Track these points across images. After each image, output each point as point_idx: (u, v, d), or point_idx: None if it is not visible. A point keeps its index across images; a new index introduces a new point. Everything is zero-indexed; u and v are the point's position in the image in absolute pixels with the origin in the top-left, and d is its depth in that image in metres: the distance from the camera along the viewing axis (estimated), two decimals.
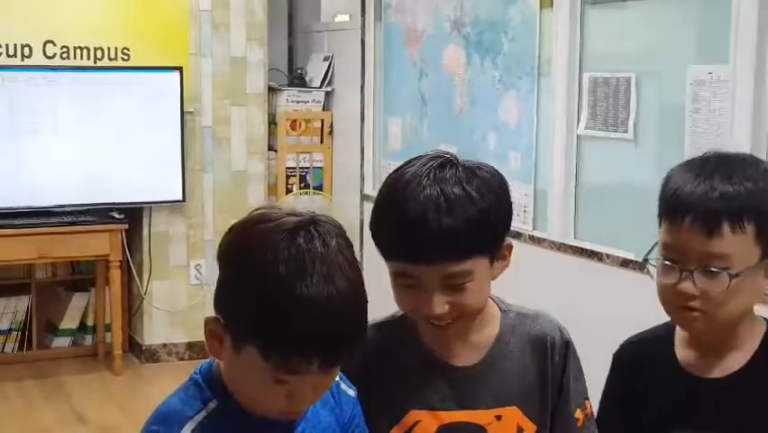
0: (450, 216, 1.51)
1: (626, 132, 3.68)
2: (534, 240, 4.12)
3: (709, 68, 3.35)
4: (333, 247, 1.33)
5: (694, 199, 1.55)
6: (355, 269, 1.34)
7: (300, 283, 1.28)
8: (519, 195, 4.28)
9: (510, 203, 1.63)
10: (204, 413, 1.39)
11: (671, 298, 1.59)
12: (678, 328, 1.68)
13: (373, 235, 1.61)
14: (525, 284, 4.22)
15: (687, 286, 1.56)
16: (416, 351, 1.67)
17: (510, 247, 1.63)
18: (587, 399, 1.72)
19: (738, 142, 3.18)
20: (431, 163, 1.58)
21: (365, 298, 1.36)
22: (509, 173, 4.30)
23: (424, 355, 1.67)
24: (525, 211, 4.26)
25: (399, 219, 1.54)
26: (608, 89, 3.79)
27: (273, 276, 1.29)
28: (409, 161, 1.61)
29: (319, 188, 5.91)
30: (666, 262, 1.59)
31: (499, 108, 4.46)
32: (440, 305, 1.56)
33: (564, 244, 3.96)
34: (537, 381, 1.68)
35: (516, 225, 4.20)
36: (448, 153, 1.61)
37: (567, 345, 1.70)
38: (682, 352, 1.68)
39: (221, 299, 1.37)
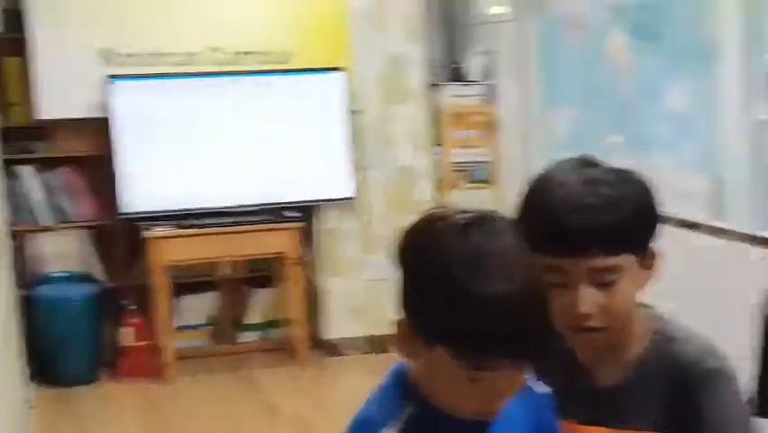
0: (601, 210, 1.54)
1: None
2: (715, 231, 3.94)
3: None
4: (507, 242, 1.34)
5: None
6: (530, 263, 1.35)
7: (473, 280, 1.28)
8: (695, 184, 4.14)
9: (657, 210, 1.63)
10: (402, 418, 1.39)
11: None
12: None
13: (527, 231, 1.55)
14: (703, 276, 4.10)
15: None
16: (565, 362, 1.67)
17: (658, 256, 1.62)
18: None
19: None
20: (578, 164, 1.63)
21: (544, 290, 1.36)
22: (682, 163, 4.24)
23: (571, 368, 1.68)
24: (702, 201, 4.08)
25: (548, 213, 1.56)
26: None
27: (450, 275, 1.29)
28: (556, 163, 1.65)
29: (485, 181, 5.94)
30: None
31: (668, 96, 4.34)
32: (587, 302, 1.56)
33: (751, 235, 3.76)
34: (676, 408, 1.62)
35: (693, 215, 4.03)
36: (593, 157, 1.65)
37: (712, 373, 1.61)
38: None
39: (405, 301, 1.37)
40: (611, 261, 1.55)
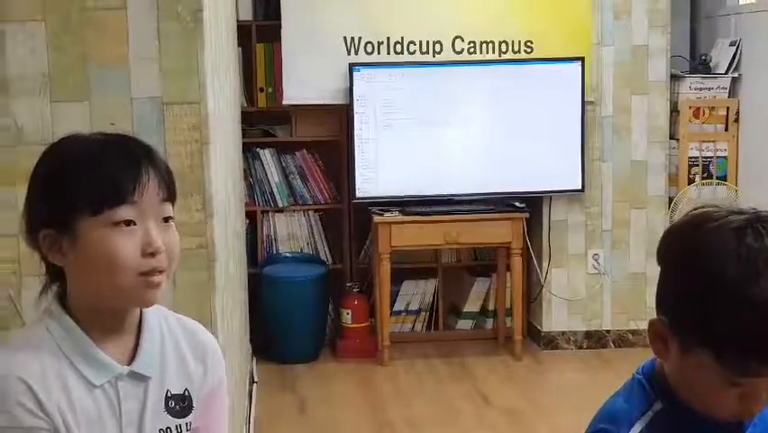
0: None
1: None
2: None
3: None
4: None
5: None
6: None
7: (751, 283, 1.26)
8: None
9: None
10: (650, 414, 1.39)
11: None
12: None
13: None
14: None
15: None
16: None
17: None
18: None
19: None
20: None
21: None
22: None
23: None
24: None
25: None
26: None
27: (724, 278, 1.27)
28: None
29: (723, 178, 5.68)
30: None
31: None
32: None
33: None
34: None
35: None
36: None
37: None
38: None
39: (665, 300, 1.37)
40: None
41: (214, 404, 1.63)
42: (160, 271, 1.48)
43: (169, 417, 1.55)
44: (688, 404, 1.36)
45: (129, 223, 1.45)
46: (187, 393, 1.57)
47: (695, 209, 1.39)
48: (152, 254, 1.46)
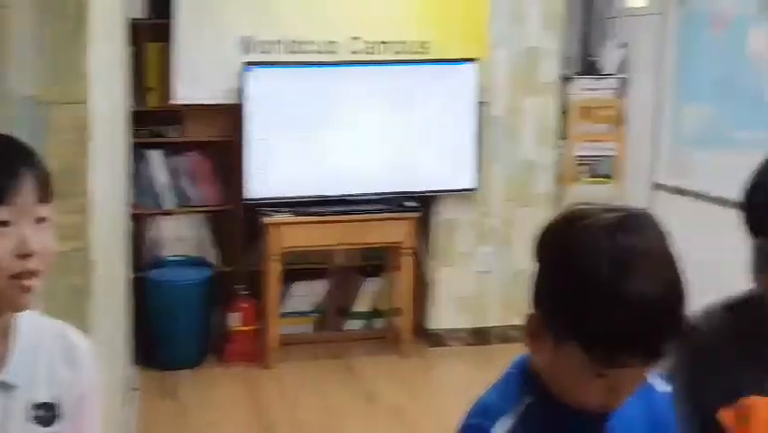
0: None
1: None
2: None
3: None
4: (652, 241, 1.32)
5: None
6: (674, 260, 1.33)
7: (623, 281, 1.27)
8: None
9: None
10: (521, 407, 1.40)
11: None
12: None
13: (747, 211, 1.62)
14: None
15: None
16: (763, 334, 1.65)
17: None
18: None
19: None
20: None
21: (685, 287, 1.33)
22: None
23: None
24: None
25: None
26: None
27: (596, 277, 1.28)
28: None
29: (607, 176, 5.79)
30: None
31: None
32: None
33: None
34: None
35: None
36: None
37: None
38: None
39: (540, 296, 1.38)
40: None
41: (86, 410, 1.60)
42: (34, 274, 1.44)
43: (36, 426, 1.52)
44: (559, 398, 1.37)
45: (3, 224, 1.41)
46: (56, 401, 1.54)
47: (571, 207, 1.39)
48: (26, 256, 1.42)
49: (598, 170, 5.79)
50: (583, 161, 5.78)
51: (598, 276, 1.27)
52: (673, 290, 1.30)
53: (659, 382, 1.51)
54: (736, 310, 1.69)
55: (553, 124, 5.70)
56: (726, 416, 1.65)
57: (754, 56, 4.60)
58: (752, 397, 1.63)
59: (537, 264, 1.39)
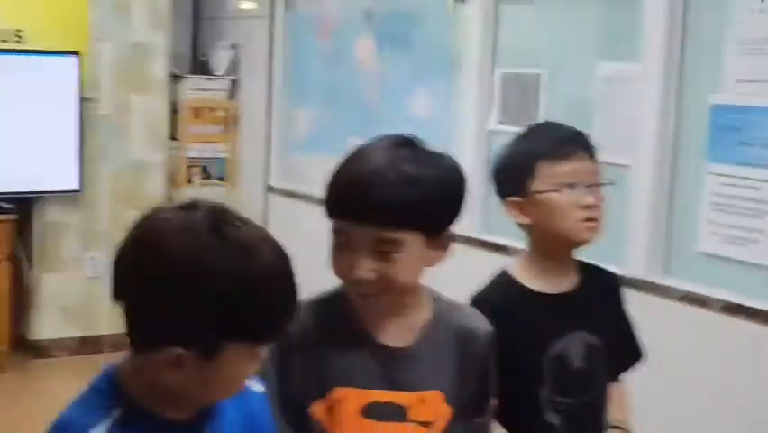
0: (394, 183, 1.57)
1: None
2: (484, 244, 3.96)
3: (618, 65, 3.36)
4: (253, 228, 1.32)
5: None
6: (271, 238, 1.34)
7: (250, 265, 1.27)
8: None
9: (461, 197, 1.68)
10: (108, 421, 1.31)
11: (576, 212, 1.94)
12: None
13: (325, 195, 1.66)
14: (433, 278, 4.23)
15: (590, 199, 1.94)
16: (349, 328, 1.69)
17: (452, 238, 1.68)
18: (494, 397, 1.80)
19: (645, 138, 3.19)
20: (393, 138, 1.66)
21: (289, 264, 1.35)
22: None
23: (356, 333, 1.69)
24: None
25: (345, 179, 1.62)
26: (519, 85, 3.76)
27: (193, 269, 1.25)
28: (377, 137, 1.69)
29: (221, 179, 5.76)
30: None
31: (411, 101, 4.40)
32: (365, 269, 1.60)
33: (475, 239, 3.92)
34: (461, 369, 1.73)
35: None
36: (414, 137, 1.68)
37: (491, 337, 1.77)
38: None
39: (166, 320, 1.27)
40: (393, 234, 1.59)
41: None
42: None
43: None
44: (150, 409, 1.33)
45: None
46: None
47: (157, 206, 1.36)
48: None
49: (212, 171, 5.75)
50: (196, 162, 5.72)
51: (201, 266, 1.25)
52: (287, 260, 1.33)
53: (254, 382, 1.48)
54: (323, 304, 1.72)
55: (164, 123, 5.57)
56: (317, 410, 1.66)
57: (359, 64, 4.76)
58: (341, 389, 1.65)
59: (122, 267, 1.32)
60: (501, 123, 3.86)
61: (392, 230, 1.58)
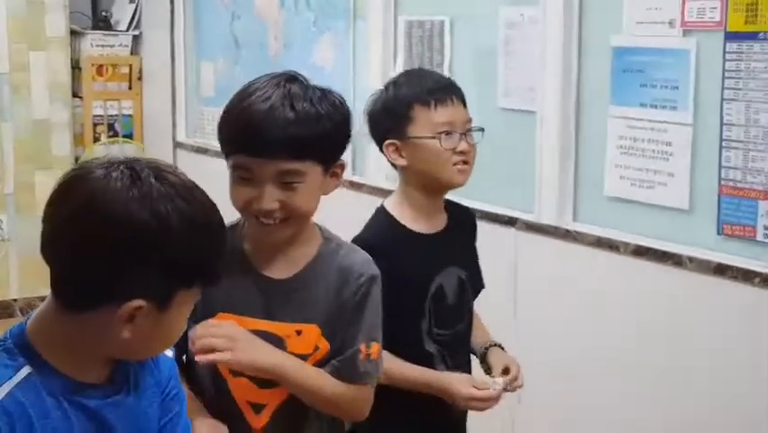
0: (295, 119, 1.70)
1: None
2: (354, 185, 4.03)
3: (520, 9, 3.34)
4: (177, 173, 1.33)
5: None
6: (190, 184, 1.34)
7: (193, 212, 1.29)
8: None
9: (350, 129, 1.82)
10: (16, 380, 1.29)
11: (451, 158, 2.11)
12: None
13: (219, 134, 1.79)
14: (344, 228, 4.24)
15: (464, 146, 2.12)
16: (237, 258, 1.77)
17: (343, 167, 1.83)
18: (375, 341, 1.84)
19: (549, 83, 3.18)
20: (282, 76, 1.78)
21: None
22: None
23: (241, 263, 1.79)
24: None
25: (246, 116, 1.72)
26: (422, 33, 3.72)
27: (129, 228, 1.25)
28: (263, 76, 1.80)
29: (129, 136, 5.64)
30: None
31: (315, 51, 4.35)
32: (270, 200, 1.71)
33: (382, 189, 3.89)
34: (339, 306, 1.81)
35: None
36: (297, 73, 1.81)
37: (372, 279, 1.84)
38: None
39: (121, 275, 1.27)
40: (296, 165, 1.72)
41: None
42: None
43: None
44: (61, 370, 1.32)
45: None
46: None
47: (79, 165, 1.36)
48: None
49: (118, 129, 5.62)
50: (101, 120, 5.59)
51: (176, 216, 1.27)
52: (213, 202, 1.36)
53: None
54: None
55: (66, 81, 5.42)
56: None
57: (262, 15, 4.68)
58: (223, 315, 1.77)
59: (51, 226, 1.30)
60: None
61: (294, 162, 1.71)
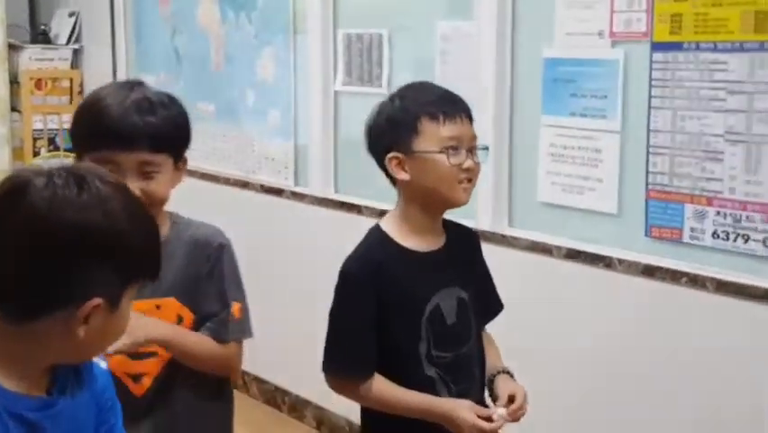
0: (152, 115, 1.93)
1: (380, 87, 3.70)
2: (296, 196, 4.09)
3: (456, 23, 3.42)
4: (109, 176, 1.36)
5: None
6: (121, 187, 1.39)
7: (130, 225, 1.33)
8: (279, 152, 4.24)
9: (190, 127, 2.04)
10: None
11: (458, 175, 2.03)
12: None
13: (74, 136, 2.00)
14: (286, 239, 4.27)
15: (470, 163, 2.04)
16: None
17: (186, 162, 2.04)
18: (237, 301, 2.07)
19: (484, 90, 3.26)
20: (130, 82, 2.03)
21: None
22: (269, 130, 4.31)
23: None
24: (285, 168, 4.22)
25: (104, 117, 1.92)
26: (362, 45, 3.79)
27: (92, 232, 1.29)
28: (109, 84, 2.06)
29: (70, 150, 5.61)
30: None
31: (257, 65, 4.38)
32: (133, 188, 1.72)
33: (325, 199, 3.96)
34: (194, 277, 2.03)
35: (277, 181, 4.23)
36: (140, 80, 2.06)
37: (222, 247, 2.07)
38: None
39: (75, 278, 1.29)
40: (155, 157, 1.95)
41: None
42: None
43: None
44: (2, 383, 1.32)
45: None
46: None
47: (13, 175, 1.37)
48: None
49: (59, 143, 5.61)
50: (41, 134, 5.56)
51: (123, 215, 1.32)
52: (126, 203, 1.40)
53: (100, 360, 1.50)
54: None
55: (4, 95, 5.39)
56: None
57: (203, 29, 4.70)
58: None
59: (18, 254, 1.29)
60: (346, 83, 3.89)
61: (153, 154, 1.93)
